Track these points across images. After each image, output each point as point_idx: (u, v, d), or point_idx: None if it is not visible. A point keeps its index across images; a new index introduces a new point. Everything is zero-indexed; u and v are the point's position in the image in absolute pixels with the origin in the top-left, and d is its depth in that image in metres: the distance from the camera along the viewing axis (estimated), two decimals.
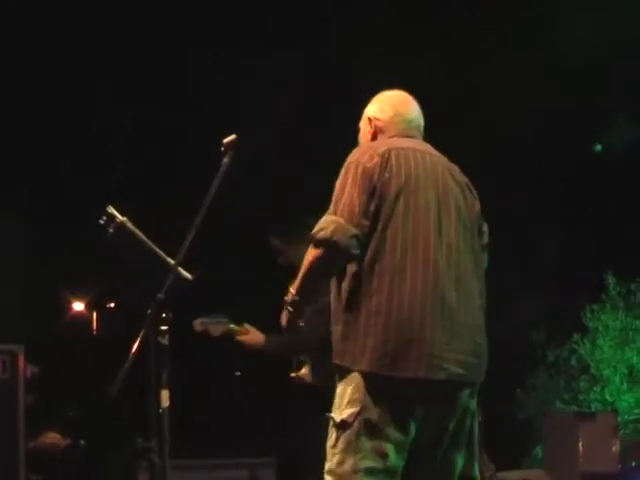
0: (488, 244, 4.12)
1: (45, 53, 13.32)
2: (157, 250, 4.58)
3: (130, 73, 14.01)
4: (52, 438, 8.85)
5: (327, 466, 3.77)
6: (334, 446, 3.75)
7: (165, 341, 3.69)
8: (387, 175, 3.80)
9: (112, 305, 18.89)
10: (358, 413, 3.70)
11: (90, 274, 15.63)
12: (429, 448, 3.76)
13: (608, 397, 13.17)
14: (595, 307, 13.82)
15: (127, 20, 13.37)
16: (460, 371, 3.74)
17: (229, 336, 6.18)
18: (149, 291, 3.82)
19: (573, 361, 13.87)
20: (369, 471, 3.69)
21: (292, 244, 5.58)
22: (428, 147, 4.04)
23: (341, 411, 3.74)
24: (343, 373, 3.78)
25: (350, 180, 3.82)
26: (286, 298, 3.95)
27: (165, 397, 3.67)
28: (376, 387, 3.69)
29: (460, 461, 3.82)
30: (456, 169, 4.02)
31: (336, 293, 3.87)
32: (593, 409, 12.86)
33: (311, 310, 5.91)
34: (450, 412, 3.78)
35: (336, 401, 3.80)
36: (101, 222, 4.52)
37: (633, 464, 9.26)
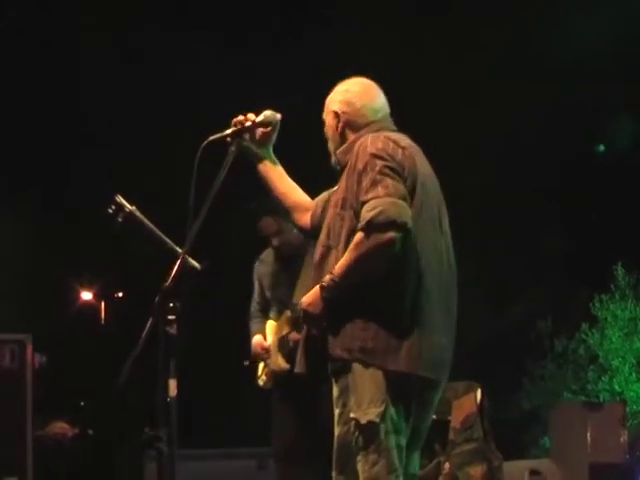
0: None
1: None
2: (166, 239, 4.57)
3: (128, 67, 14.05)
4: (60, 427, 8.88)
5: (359, 467, 3.74)
6: (364, 447, 3.71)
7: (173, 330, 3.68)
8: (414, 172, 3.79)
9: (120, 295, 18.88)
10: (384, 412, 3.69)
11: (98, 263, 15.65)
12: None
13: (617, 387, 13.13)
14: (604, 297, 13.79)
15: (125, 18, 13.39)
16: (447, 372, 3.88)
17: None
18: (157, 280, 3.80)
19: (581, 351, 13.85)
20: (400, 468, 3.72)
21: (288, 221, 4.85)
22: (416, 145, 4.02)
23: (364, 411, 3.71)
24: (360, 368, 3.73)
25: (389, 168, 3.72)
26: (324, 284, 3.79)
27: (173, 386, 3.66)
28: (396, 385, 3.70)
29: (415, 458, 3.89)
30: None
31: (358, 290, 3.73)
32: (601, 399, 12.84)
33: None
34: (427, 410, 3.88)
35: (353, 399, 3.75)
36: (110, 211, 4.52)
37: None
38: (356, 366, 3.71)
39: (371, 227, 3.59)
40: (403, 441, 3.72)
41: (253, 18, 13.93)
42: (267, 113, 4.13)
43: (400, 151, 3.79)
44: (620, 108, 13.98)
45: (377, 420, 3.68)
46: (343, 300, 3.75)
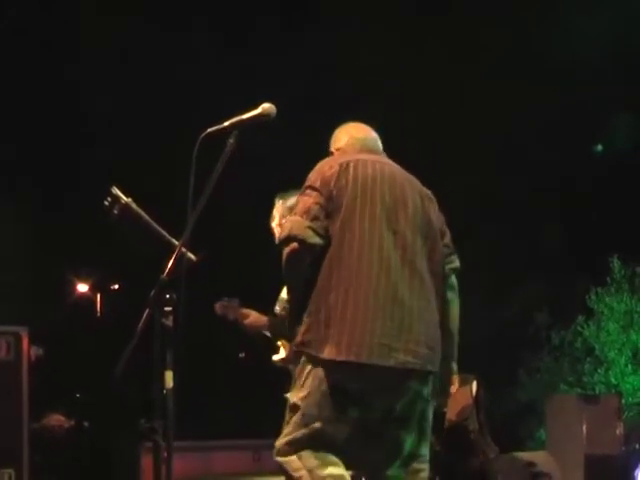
0: (455, 244, 4.38)
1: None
2: (162, 231, 4.57)
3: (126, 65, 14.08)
4: (56, 420, 8.88)
5: (280, 438, 4.09)
6: (287, 423, 4.08)
7: (169, 322, 3.68)
8: (344, 181, 4.12)
9: (116, 287, 18.92)
10: (305, 397, 4.02)
11: (94, 256, 15.67)
12: (378, 426, 4.06)
13: (613, 380, 13.18)
14: (600, 290, 13.84)
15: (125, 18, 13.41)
16: (410, 359, 4.03)
17: (239, 319, 6.16)
18: (153, 273, 3.81)
19: (578, 344, 13.90)
20: (312, 447, 4.01)
21: None
22: (389, 161, 4.35)
23: (295, 394, 4.07)
24: (304, 359, 4.08)
25: (309, 188, 4.14)
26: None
27: (169, 378, 3.66)
28: (332, 374, 3.99)
29: (409, 440, 4.12)
30: (416, 180, 4.33)
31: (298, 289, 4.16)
32: (597, 391, 12.88)
33: None
34: (396, 396, 4.07)
35: (294, 384, 4.12)
36: (105, 203, 4.51)
37: (637, 447, 9.23)
38: (305, 358, 4.08)
39: (279, 244, 4.08)
40: (336, 429, 3.99)
41: (253, 18, 13.96)
42: (265, 106, 4.21)
43: (336, 167, 4.14)
44: (620, 108, 14.02)
45: (299, 403, 4.02)
46: (292, 306, 4.27)
